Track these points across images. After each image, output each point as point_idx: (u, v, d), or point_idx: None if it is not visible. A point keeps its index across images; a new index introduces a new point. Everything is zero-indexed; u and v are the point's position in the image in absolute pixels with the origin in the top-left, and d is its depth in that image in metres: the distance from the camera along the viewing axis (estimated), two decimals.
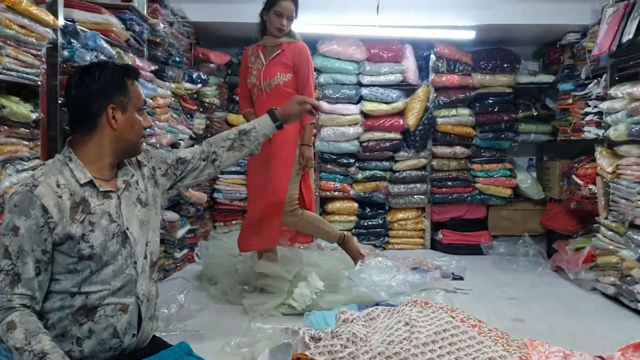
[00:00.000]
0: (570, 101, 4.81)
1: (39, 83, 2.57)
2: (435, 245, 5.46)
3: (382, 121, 5.33)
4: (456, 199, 5.47)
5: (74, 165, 1.77)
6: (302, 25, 4.57)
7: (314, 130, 4.23)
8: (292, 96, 3.55)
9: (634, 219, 3.47)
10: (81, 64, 2.78)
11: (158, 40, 3.95)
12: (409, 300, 2.76)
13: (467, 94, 5.43)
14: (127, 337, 1.81)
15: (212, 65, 5.16)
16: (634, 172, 3.52)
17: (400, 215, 5.46)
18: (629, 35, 3.53)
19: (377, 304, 3.24)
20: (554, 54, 5.35)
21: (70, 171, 1.76)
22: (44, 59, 2.60)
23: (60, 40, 2.73)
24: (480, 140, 5.43)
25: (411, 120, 5.31)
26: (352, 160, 5.40)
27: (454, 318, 2.53)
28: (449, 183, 5.48)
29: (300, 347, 2.38)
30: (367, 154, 5.40)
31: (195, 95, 4.82)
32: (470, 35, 5.02)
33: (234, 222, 5.48)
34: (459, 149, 5.46)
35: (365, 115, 5.38)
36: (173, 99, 4.23)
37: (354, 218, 5.41)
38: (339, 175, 5.42)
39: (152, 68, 3.75)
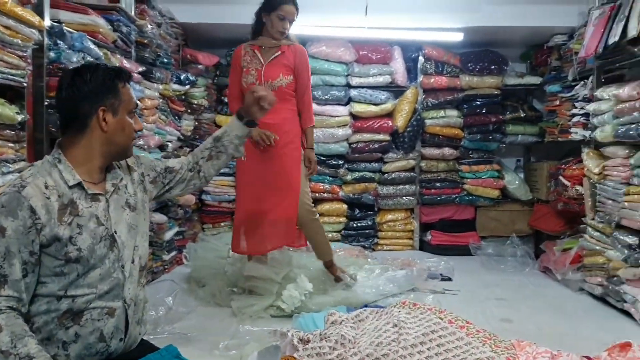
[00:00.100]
0: (557, 103, 4.85)
1: (25, 85, 2.55)
2: (424, 246, 5.47)
3: (371, 123, 5.34)
4: (445, 200, 5.49)
5: (62, 166, 1.76)
6: (293, 26, 4.58)
7: None
8: (293, 98, 3.62)
9: (620, 219, 3.50)
10: (68, 65, 2.77)
11: (146, 41, 3.94)
12: (398, 302, 2.77)
13: (455, 96, 5.44)
14: (114, 341, 1.79)
15: (200, 66, 5.14)
16: (620, 173, 3.55)
17: (389, 216, 5.47)
18: (615, 37, 3.56)
19: (365, 306, 3.25)
20: (541, 56, 5.38)
21: (59, 173, 1.75)
22: (29, 60, 2.58)
23: (46, 41, 2.72)
24: (469, 141, 5.45)
25: (400, 121, 5.32)
26: (341, 162, 5.41)
27: (442, 319, 2.53)
28: (438, 184, 5.49)
29: (289, 350, 2.38)
30: (356, 155, 5.41)
31: (183, 97, 4.81)
32: (458, 37, 5.04)
33: (222, 224, 5.46)
34: (447, 151, 5.47)
35: (354, 116, 5.38)
36: (161, 100, 4.21)
37: (343, 219, 5.41)
38: (328, 177, 5.42)
39: (140, 69, 3.73)
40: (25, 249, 1.64)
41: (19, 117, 2.46)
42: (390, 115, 5.43)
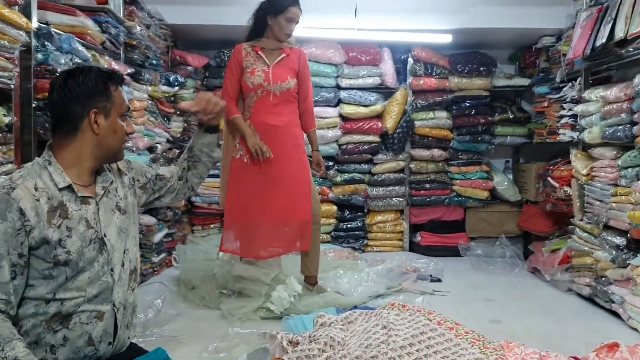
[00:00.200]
0: (545, 104, 4.87)
1: (12, 86, 2.54)
2: (413, 248, 5.48)
3: (360, 124, 5.34)
4: (434, 201, 5.50)
5: (53, 169, 1.75)
6: None
7: None
8: (297, 101, 3.65)
9: (608, 220, 3.53)
10: (56, 67, 2.75)
11: (134, 42, 3.92)
12: (387, 304, 2.77)
13: (445, 97, 5.46)
14: (103, 345, 1.78)
15: (189, 67, 5.13)
16: (607, 175, 3.57)
17: (379, 217, 5.47)
18: (602, 39, 3.59)
19: (355, 307, 3.25)
20: (529, 58, 5.41)
21: (49, 175, 1.74)
22: (17, 62, 2.57)
23: (33, 43, 2.70)
24: (458, 142, 5.47)
25: (389, 123, 5.33)
26: (331, 163, 5.40)
27: (431, 321, 2.54)
28: (427, 185, 5.50)
29: (278, 352, 2.38)
30: (346, 156, 5.41)
31: (172, 98, 4.79)
32: (447, 38, 5.06)
33: (212, 225, 5.45)
34: (436, 152, 5.49)
35: (343, 118, 5.39)
36: (150, 102, 4.20)
37: (333, 221, 5.41)
38: (317, 178, 5.42)
39: (129, 71, 3.71)
40: (14, 251, 1.62)
41: (6, 119, 2.45)
42: (379, 116, 5.44)
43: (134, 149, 3.76)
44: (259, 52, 3.60)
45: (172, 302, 3.57)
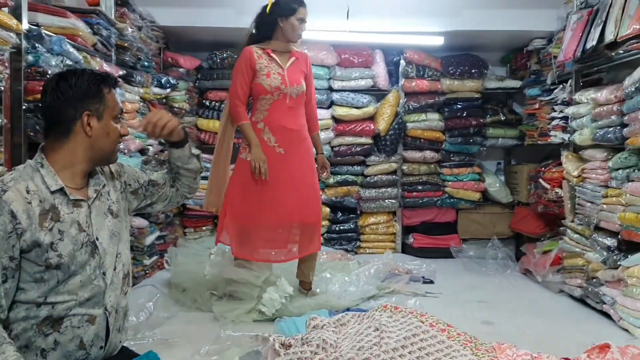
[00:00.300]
0: (536, 106, 4.89)
1: (2, 88, 2.52)
2: (406, 249, 5.49)
3: (353, 126, 5.35)
4: (426, 203, 5.51)
5: (45, 171, 1.74)
6: None
7: None
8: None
9: (599, 221, 3.54)
10: (46, 69, 2.74)
11: (126, 44, 3.91)
12: (379, 306, 2.77)
13: (436, 99, 5.47)
14: (94, 349, 1.77)
15: (181, 69, 5.12)
16: (598, 176, 3.59)
17: (372, 219, 5.48)
18: (592, 41, 3.61)
19: (347, 310, 3.25)
20: (520, 60, 5.44)
21: (41, 177, 1.73)
22: (7, 64, 2.55)
23: (24, 44, 2.68)
24: (450, 144, 5.48)
25: (382, 125, 5.34)
26: None
27: (423, 322, 2.54)
28: (420, 187, 5.51)
29: (271, 354, 2.38)
30: (339, 158, 5.41)
31: (164, 100, 4.78)
32: (439, 41, 5.07)
33: (204, 228, 5.43)
34: (428, 154, 5.50)
35: (336, 120, 5.39)
36: (141, 104, 4.18)
37: (325, 223, 5.40)
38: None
39: (120, 73, 3.70)
40: (5, 254, 1.61)
41: None
42: (372, 118, 5.45)
43: (126, 151, 3.74)
44: (272, 55, 3.58)
45: (164, 304, 3.55)
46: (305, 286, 3.71)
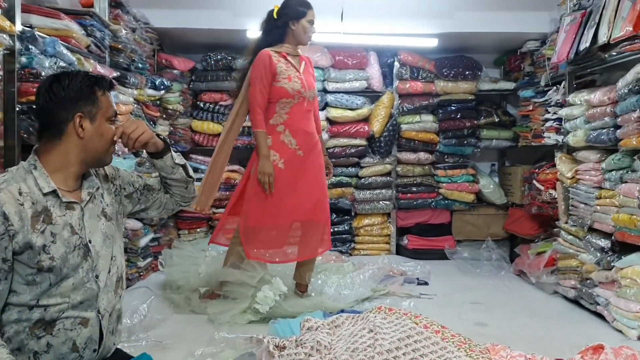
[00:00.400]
0: (530, 108, 4.90)
1: None
2: (400, 251, 5.49)
3: (347, 127, 5.35)
4: (421, 205, 5.52)
5: (38, 173, 1.73)
6: None
7: None
8: None
9: (593, 223, 3.56)
10: (40, 71, 2.73)
11: (120, 46, 3.90)
12: (374, 307, 2.77)
13: (431, 101, 5.48)
14: (87, 351, 1.77)
15: (175, 71, 5.11)
16: (592, 178, 3.60)
17: (366, 221, 5.48)
18: (586, 43, 3.62)
19: (342, 311, 3.25)
20: (514, 62, 5.45)
21: (34, 179, 1.72)
22: (0, 66, 2.54)
23: (17, 46, 2.67)
24: (444, 146, 5.49)
25: (376, 126, 5.34)
26: None
27: (417, 324, 2.54)
28: (414, 189, 5.52)
29: (265, 356, 2.37)
30: (333, 160, 5.38)
31: (158, 102, 4.76)
32: (433, 43, 5.08)
33: (198, 230, 5.42)
34: (423, 155, 5.50)
35: (330, 121, 5.39)
36: (136, 105, 4.17)
37: None
38: None
39: (114, 75, 3.69)
40: None
41: None
42: (366, 120, 5.45)
43: (120, 152, 3.73)
44: (288, 58, 3.60)
45: (158, 307, 3.54)
46: (301, 288, 3.71)
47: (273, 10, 3.62)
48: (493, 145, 5.60)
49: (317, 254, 3.76)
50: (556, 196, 4.11)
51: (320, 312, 3.23)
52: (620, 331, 3.17)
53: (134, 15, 4.32)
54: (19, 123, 2.69)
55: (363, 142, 5.40)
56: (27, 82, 2.70)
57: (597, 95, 3.53)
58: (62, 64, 2.94)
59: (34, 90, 1.84)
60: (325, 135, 5.30)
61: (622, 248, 3.28)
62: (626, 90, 3.19)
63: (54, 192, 1.74)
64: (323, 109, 5.41)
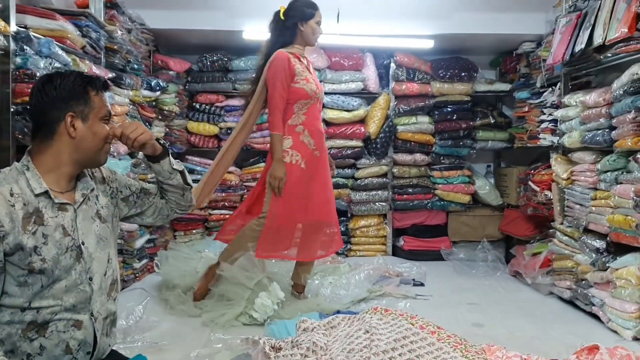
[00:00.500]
0: (526, 109, 4.91)
1: None
2: (396, 252, 5.50)
3: (343, 129, 5.35)
4: (417, 206, 5.52)
5: (30, 174, 1.72)
6: (264, 33, 4.57)
7: None
8: None
9: (588, 224, 3.56)
10: (35, 72, 2.72)
11: (115, 47, 3.89)
12: (370, 308, 2.77)
13: (427, 102, 5.49)
14: (81, 353, 1.76)
15: (171, 72, 5.10)
16: (587, 179, 3.61)
17: (362, 222, 5.48)
18: (581, 44, 3.63)
19: (338, 312, 3.25)
20: (510, 63, 5.46)
21: (26, 180, 1.71)
22: None
23: (12, 47, 2.66)
24: (440, 147, 5.50)
25: (372, 128, 5.35)
26: None
27: (413, 325, 2.54)
28: (410, 190, 5.52)
29: (261, 357, 2.37)
30: None
31: (154, 103, 4.76)
32: (429, 44, 5.09)
33: (194, 231, 5.40)
34: (419, 156, 5.51)
35: (326, 123, 5.38)
36: (131, 106, 4.16)
37: None
38: None
39: (110, 75, 3.68)
40: None
41: None
42: (362, 121, 5.45)
43: (115, 154, 3.72)
44: (301, 59, 3.63)
45: (154, 308, 3.53)
46: (298, 289, 3.71)
47: (279, 11, 3.63)
48: (489, 146, 5.61)
49: (334, 250, 3.91)
50: (551, 197, 4.12)
51: (316, 313, 3.22)
52: (615, 331, 3.17)
53: (129, 16, 4.31)
54: (13, 124, 2.67)
55: (359, 143, 5.41)
56: (22, 82, 2.69)
57: (592, 97, 3.54)
58: (57, 64, 2.93)
59: (29, 90, 1.83)
60: None
61: (617, 249, 3.28)
62: (621, 92, 3.20)
63: (46, 193, 1.73)
64: None
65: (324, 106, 5.36)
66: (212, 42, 5.28)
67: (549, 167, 4.21)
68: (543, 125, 4.45)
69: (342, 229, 5.40)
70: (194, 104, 5.46)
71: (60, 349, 1.71)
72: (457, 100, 5.50)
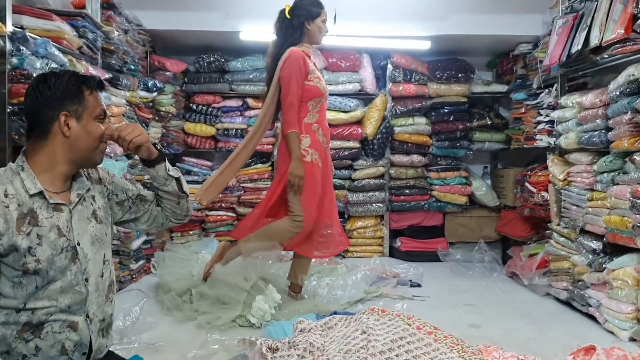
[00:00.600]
0: (522, 110, 4.92)
1: None
2: (393, 253, 5.49)
3: (340, 130, 5.35)
4: (414, 207, 5.52)
5: (25, 174, 1.72)
6: (261, 34, 4.58)
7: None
8: None
9: (585, 225, 3.56)
10: (31, 72, 2.72)
11: (112, 48, 3.88)
12: (367, 309, 2.77)
13: (423, 104, 5.49)
14: (77, 354, 1.75)
15: (168, 73, 5.09)
16: (583, 180, 3.61)
17: (360, 223, 5.48)
18: (577, 46, 3.63)
19: (335, 313, 3.25)
20: (507, 64, 5.47)
21: (21, 181, 1.71)
22: None
23: (8, 47, 2.66)
24: (437, 148, 5.50)
25: (369, 129, 5.35)
26: None
27: (410, 325, 2.54)
28: (407, 191, 5.52)
29: (258, 358, 2.36)
30: None
31: (150, 104, 4.75)
32: (426, 45, 5.10)
33: (191, 232, 5.39)
34: (416, 158, 5.51)
35: None
36: (128, 107, 4.15)
37: None
38: None
39: (106, 76, 3.68)
40: None
41: None
42: (359, 122, 5.46)
43: (112, 155, 3.72)
44: (311, 58, 3.64)
45: (151, 309, 3.52)
46: (295, 289, 3.70)
47: (284, 10, 3.62)
48: (485, 147, 5.62)
49: (343, 247, 4.00)
50: (548, 198, 4.13)
51: (313, 314, 3.22)
52: (611, 332, 3.18)
53: (126, 16, 4.30)
54: (9, 124, 2.67)
55: (356, 144, 5.41)
56: (18, 83, 2.69)
57: (588, 98, 3.55)
58: (53, 65, 2.93)
59: (25, 91, 1.83)
60: None
61: (614, 250, 3.29)
62: (617, 93, 3.20)
63: (40, 194, 1.72)
64: None
65: None
66: (209, 43, 5.28)
67: (546, 168, 4.21)
68: (540, 127, 4.46)
69: None
70: (191, 105, 5.46)
71: (56, 350, 1.71)
72: (454, 102, 5.50)
